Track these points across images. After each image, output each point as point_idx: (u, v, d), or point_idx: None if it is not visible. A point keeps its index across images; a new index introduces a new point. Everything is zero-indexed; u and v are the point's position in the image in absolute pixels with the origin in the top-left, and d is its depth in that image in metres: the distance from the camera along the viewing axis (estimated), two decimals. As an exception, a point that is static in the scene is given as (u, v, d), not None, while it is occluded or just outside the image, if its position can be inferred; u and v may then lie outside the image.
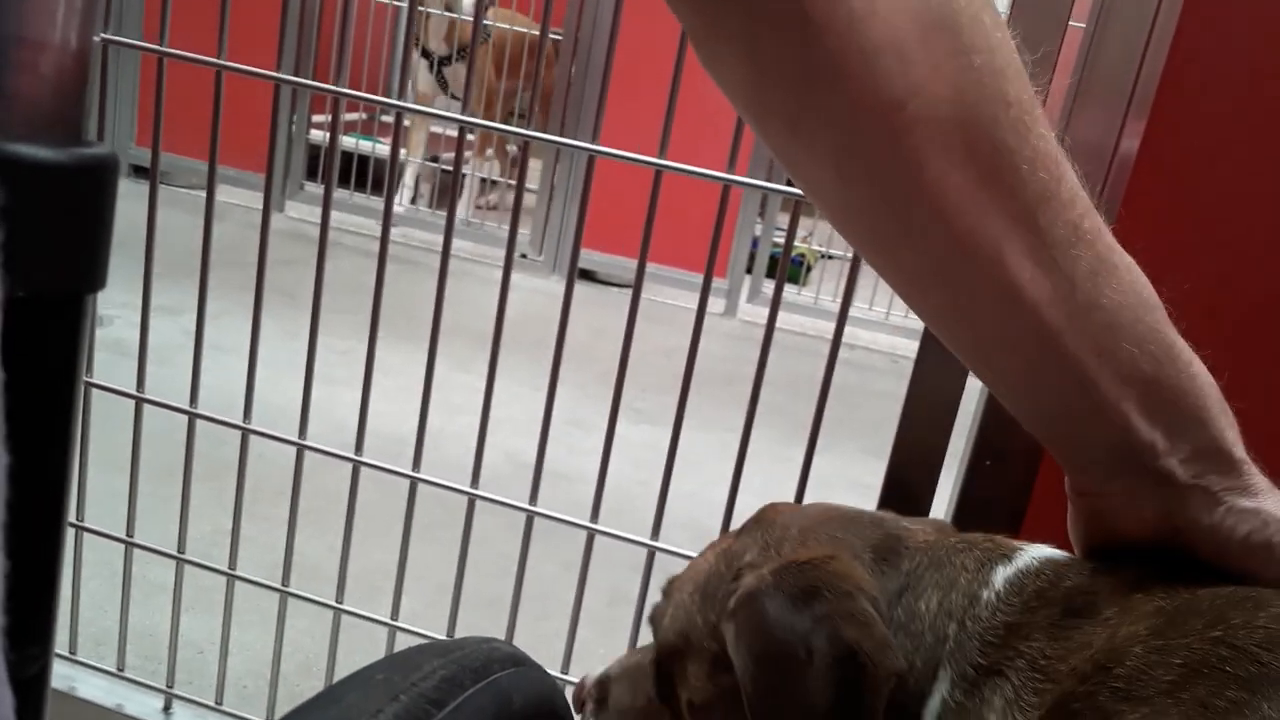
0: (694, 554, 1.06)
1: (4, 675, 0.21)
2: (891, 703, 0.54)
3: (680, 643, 0.64)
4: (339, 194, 4.11)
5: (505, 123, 4.51)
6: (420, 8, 4.09)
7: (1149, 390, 0.48)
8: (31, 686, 0.26)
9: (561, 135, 3.95)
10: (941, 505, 0.93)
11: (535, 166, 4.26)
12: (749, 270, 3.93)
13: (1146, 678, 0.44)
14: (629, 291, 1.02)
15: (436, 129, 4.81)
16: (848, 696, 0.52)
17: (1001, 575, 0.54)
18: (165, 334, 2.45)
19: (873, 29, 0.42)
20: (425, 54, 4.36)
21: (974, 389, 0.92)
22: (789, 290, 4.08)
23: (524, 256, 3.95)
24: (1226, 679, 0.42)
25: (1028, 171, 0.45)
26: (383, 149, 4.33)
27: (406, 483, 1.12)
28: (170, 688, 1.26)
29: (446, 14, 4.28)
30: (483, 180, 4.58)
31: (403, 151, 4.23)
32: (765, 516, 0.66)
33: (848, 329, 0.98)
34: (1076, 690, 0.46)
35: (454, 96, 4.42)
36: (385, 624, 1.17)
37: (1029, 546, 0.57)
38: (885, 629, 0.54)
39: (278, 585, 1.19)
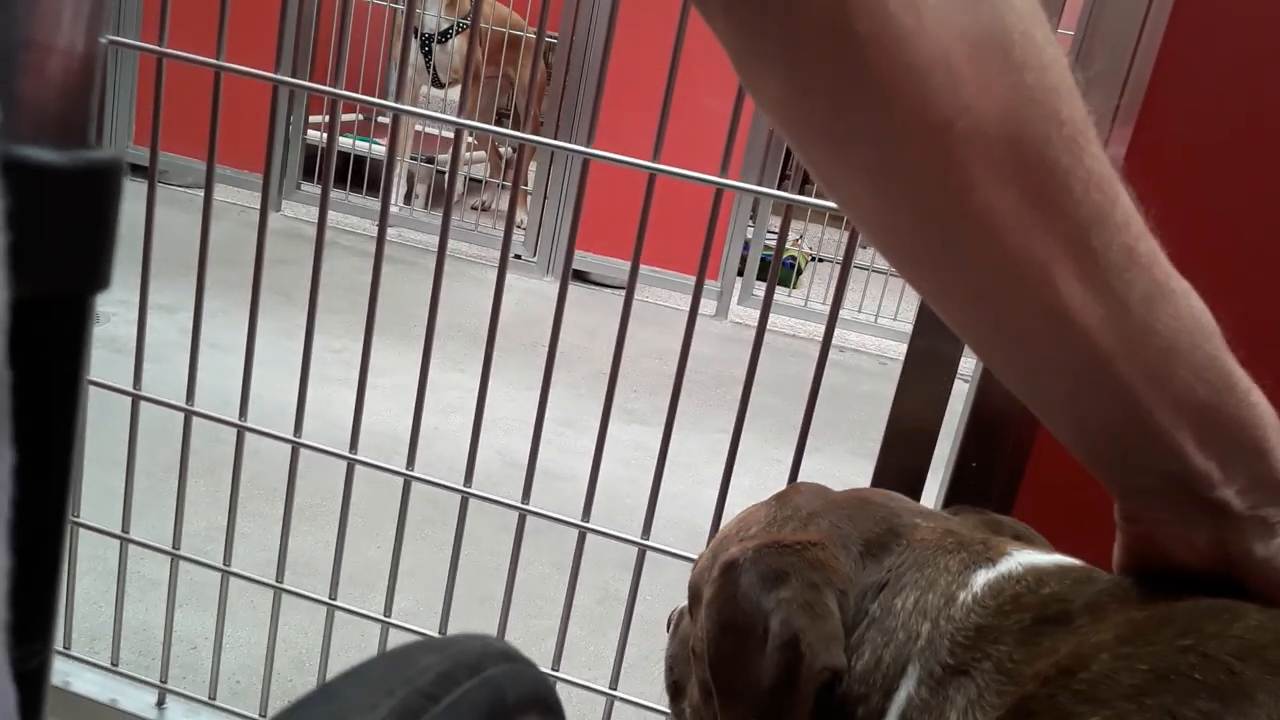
0: (685, 553, 1.07)
1: (7, 671, 0.21)
2: (851, 697, 0.55)
3: (694, 591, 0.68)
4: (335, 194, 4.12)
5: (491, 119, 4.51)
6: None
7: (1205, 419, 0.47)
8: (31, 681, 0.26)
9: (556, 138, 3.95)
10: (929, 506, 0.94)
11: (529, 167, 4.27)
12: (740, 272, 3.94)
13: (1109, 682, 0.44)
14: (622, 293, 1.03)
15: (432, 130, 4.81)
16: (785, 680, 0.54)
17: (982, 578, 0.55)
18: (162, 332, 2.45)
19: (921, 45, 0.41)
20: (415, 34, 4.36)
21: (960, 392, 0.93)
22: (780, 292, 4.09)
23: (518, 257, 3.96)
24: (1196, 687, 0.42)
25: (1080, 192, 0.44)
26: (379, 150, 4.33)
27: (400, 481, 1.13)
28: (164, 683, 1.27)
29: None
30: (474, 180, 4.58)
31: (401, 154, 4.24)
32: (787, 493, 0.68)
33: (837, 331, 0.99)
34: (1037, 692, 0.46)
35: (438, 83, 4.41)
36: (378, 620, 1.18)
37: (1019, 551, 0.57)
38: (838, 625, 0.56)
39: (272, 581, 1.20)
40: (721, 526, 0.74)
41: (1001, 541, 0.59)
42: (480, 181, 4.60)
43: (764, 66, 0.45)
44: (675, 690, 0.74)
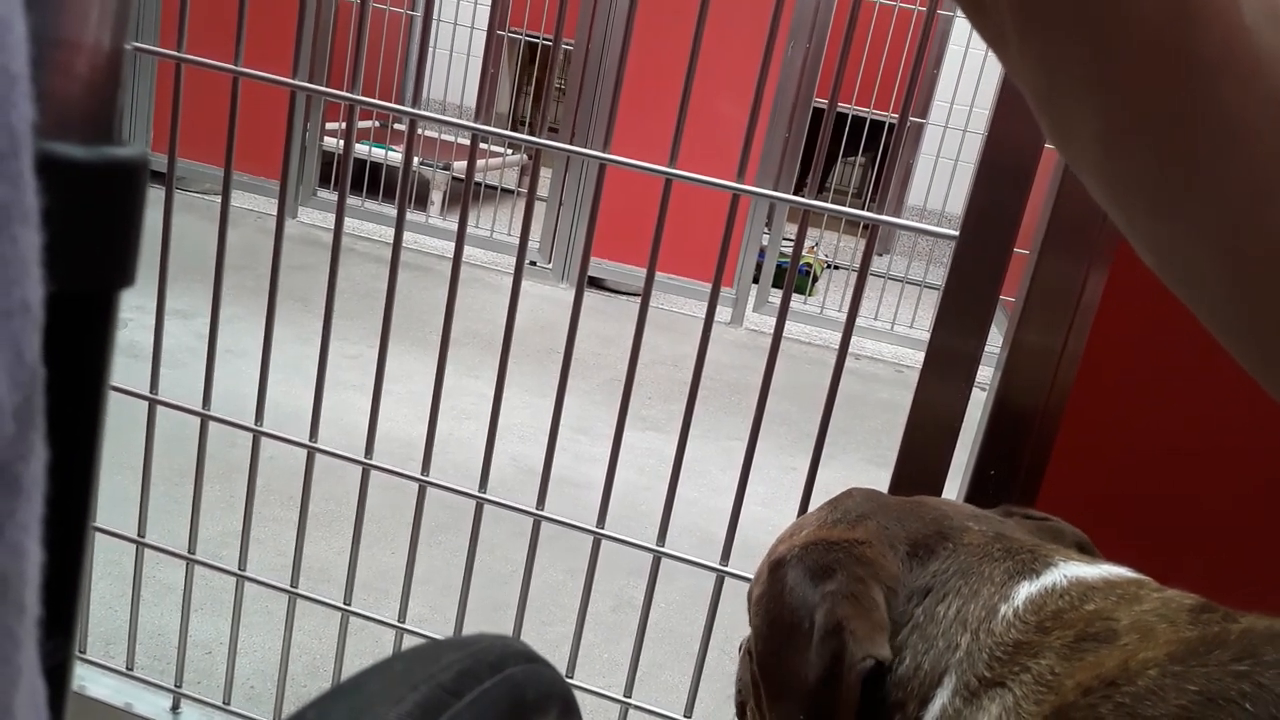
0: (699, 560, 1.07)
1: (38, 667, 0.22)
2: (889, 702, 0.55)
3: (750, 594, 0.68)
4: (352, 201, 4.13)
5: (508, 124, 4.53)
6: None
7: None
8: (54, 678, 0.27)
9: (572, 144, 3.97)
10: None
11: (545, 174, 4.28)
12: (756, 280, 3.94)
13: (1155, 699, 0.43)
14: (637, 300, 1.03)
15: (448, 136, 4.83)
16: (830, 671, 0.54)
17: (1024, 592, 0.54)
18: (178, 337, 2.47)
19: None
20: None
21: (979, 399, 0.93)
22: (795, 300, 4.09)
23: (533, 264, 3.97)
24: (1247, 718, 0.40)
25: None
26: (396, 156, 4.35)
27: (414, 487, 1.13)
28: (179, 687, 1.27)
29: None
30: (503, 190, 4.59)
31: (416, 160, 4.26)
32: (839, 497, 0.68)
33: (853, 338, 0.99)
34: (1078, 701, 0.46)
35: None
36: (393, 626, 1.18)
37: (1065, 563, 0.56)
38: (884, 618, 0.56)
39: (286, 587, 1.20)
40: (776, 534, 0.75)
41: (1050, 551, 0.58)
42: (499, 189, 4.60)
43: (1076, 107, 0.36)
44: (741, 710, 0.74)
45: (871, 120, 4.42)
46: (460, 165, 4.45)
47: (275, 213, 1.12)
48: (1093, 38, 0.34)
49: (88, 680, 1.29)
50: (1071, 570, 0.55)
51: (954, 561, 0.58)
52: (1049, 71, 0.36)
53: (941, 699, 0.53)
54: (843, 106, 4.51)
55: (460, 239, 1.07)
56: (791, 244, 4.20)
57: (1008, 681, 0.51)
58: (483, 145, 4.55)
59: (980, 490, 0.92)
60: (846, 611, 0.55)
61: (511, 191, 4.73)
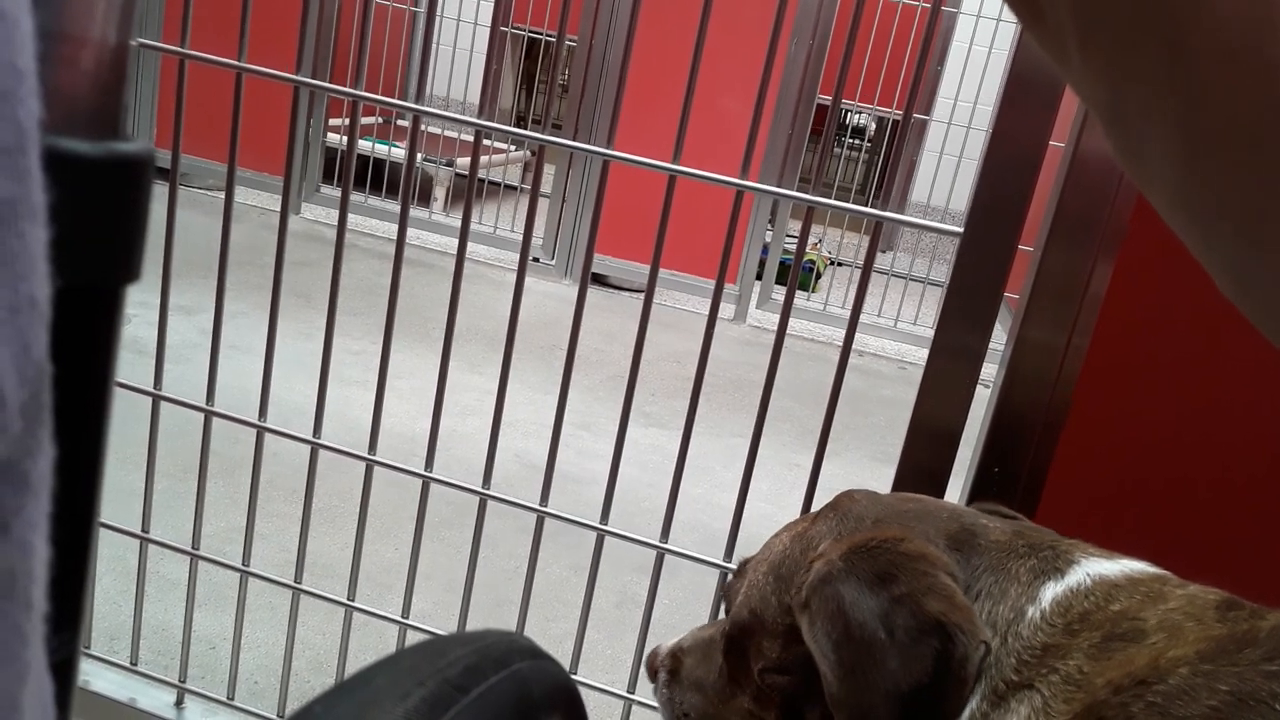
0: (702, 556, 1.07)
1: (45, 662, 0.22)
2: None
3: (753, 620, 0.66)
4: (355, 197, 4.13)
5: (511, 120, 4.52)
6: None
7: None
8: (61, 672, 0.27)
9: (575, 140, 3.97)
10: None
11: (548, 170, 4.28)
12: (759, 276, 3.94)
13: (1187, 698, 0.43)
14: (640, 296, 1.03)
15: (451, 132, 4.82)
16: (937, 669, 0.53)
17: (1050, 593, 0.54)
18: (182, 333, 2.47)
19: None
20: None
21: (982, 396, 0.92)
22: (799, 296, 4.08)
23: (536, 260, 3.97)
24: (1277, 719, 0.40)
25: None
26: (399, 153, 4.35)
27: (417, 482, 1.13)
28: (183, 682, 1.28)
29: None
30: (507, 186, 4.59)
31: (419, 156, 4.25)
32: (841, 504, 0.66)
33: (857, 335, 0.99)
34: (1110, 699, 0.46)
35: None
36: (396, 622, 1.18)
37: (1087, 560, 0.56)
38: (966, 599, 0.55)
39: (290, 582, 1.20)
40: (764, 543, 0.72)
41: (1069, 546, 0.58)
42: (502, 186, 4.60)
43: (1147, 121, 0.33)
44: None
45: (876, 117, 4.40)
46: (464, 161, 4.45)
47: (279, 209, 1.12)
48: (1167, 42, 0.31)
49: (92, 675, 1.29)
50: (1094, 567, 0.55)
51: (986, 559, 0.57)
52: (1116, 83, 0.33)
53: (971, 704, 0.53)
54: (846, 103, 4.51)
55: (464, 235, 1.07)
56: (795, 240, 4.20)
57: (1036, 683, 0.51)
58: (486, 141, 4.56)
59: (984, 487, 0.92)
60: (938, 607, 0.54)
61: (515, 188, 4.73)
